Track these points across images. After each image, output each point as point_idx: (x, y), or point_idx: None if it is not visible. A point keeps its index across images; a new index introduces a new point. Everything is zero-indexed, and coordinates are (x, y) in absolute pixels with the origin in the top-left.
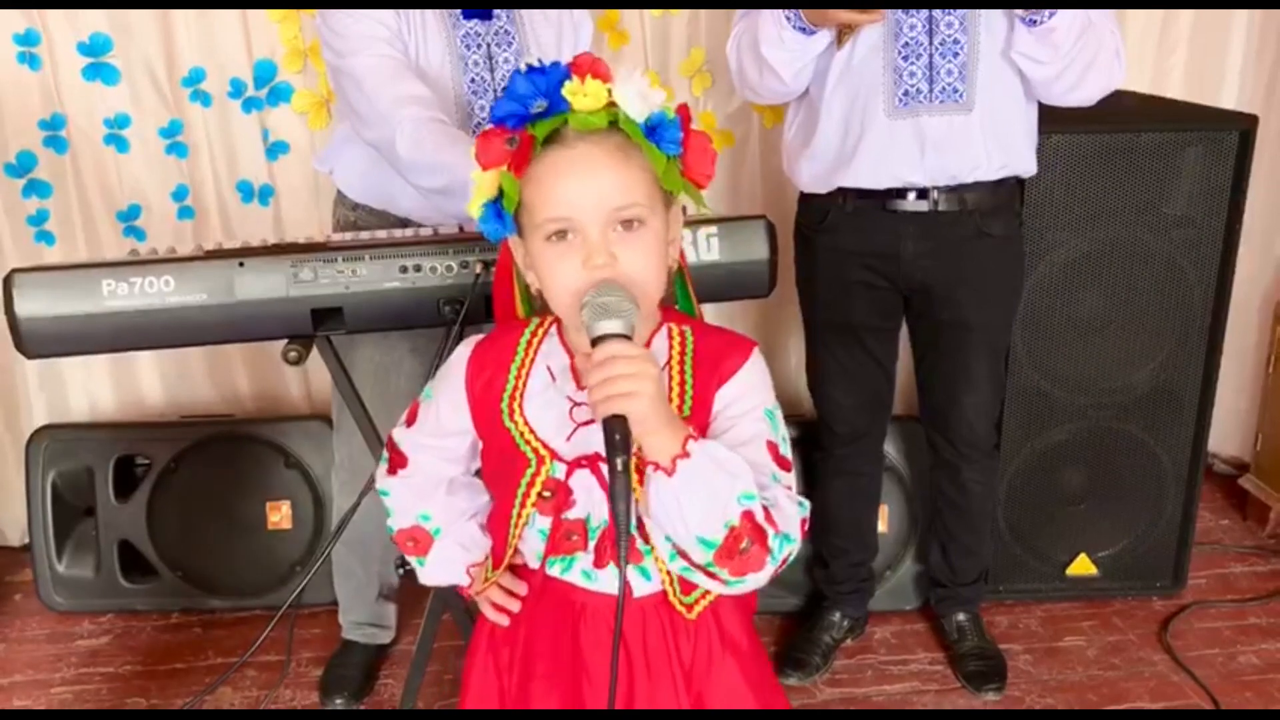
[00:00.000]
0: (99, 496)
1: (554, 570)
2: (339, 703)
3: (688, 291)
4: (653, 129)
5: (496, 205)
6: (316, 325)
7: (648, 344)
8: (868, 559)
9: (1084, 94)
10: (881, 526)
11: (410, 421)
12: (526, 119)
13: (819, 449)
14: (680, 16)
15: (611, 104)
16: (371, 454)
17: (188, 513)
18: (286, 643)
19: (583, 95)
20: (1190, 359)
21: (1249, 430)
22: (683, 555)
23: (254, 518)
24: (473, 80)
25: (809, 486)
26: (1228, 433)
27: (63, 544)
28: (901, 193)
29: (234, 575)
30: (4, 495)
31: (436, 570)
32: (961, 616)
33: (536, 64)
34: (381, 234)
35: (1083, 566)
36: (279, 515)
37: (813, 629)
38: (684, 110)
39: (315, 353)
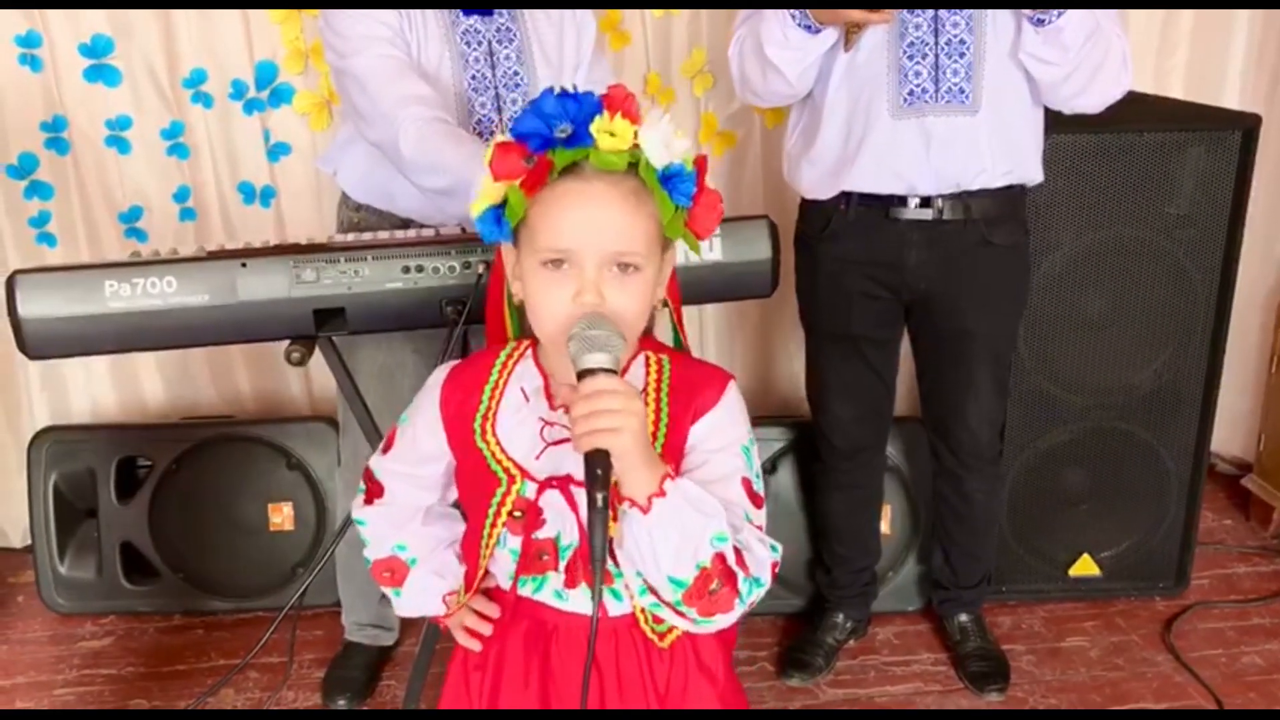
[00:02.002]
0: (101, 498)
1: (525, 590)
2: (341, 704)
3: (677, 331)
4: (669, 178)
5: (498, 211)
6: (319, 326)
7: (625, 370)
8: (870, 564)
9: (1092, 98)
10: (884, 527)
11: (386, 449)
12: (548, 142)
13: (818, 461)
14: (682, 17)
15: (635, 146)
16: None
17: (190, 514)
18: (289, 644)
19: (609, 135)
20: (1193, 359)
21: (1252, 430)
22: (653, 591)
23: (256, 519)
24: (473, 77)
25: (808, 496)
26: (1230, 433)
27: (65, 545)
28: (904, 200)
29: (236, 577)
30: (6, 497)
31: (413, 600)
32: (964, 617)
33: (571, 89)
34: (384, 234)
35: (1085, 567)
36: (281, 517)
37: (815, 630)
38: (701, 162)
39: (318, 353)
